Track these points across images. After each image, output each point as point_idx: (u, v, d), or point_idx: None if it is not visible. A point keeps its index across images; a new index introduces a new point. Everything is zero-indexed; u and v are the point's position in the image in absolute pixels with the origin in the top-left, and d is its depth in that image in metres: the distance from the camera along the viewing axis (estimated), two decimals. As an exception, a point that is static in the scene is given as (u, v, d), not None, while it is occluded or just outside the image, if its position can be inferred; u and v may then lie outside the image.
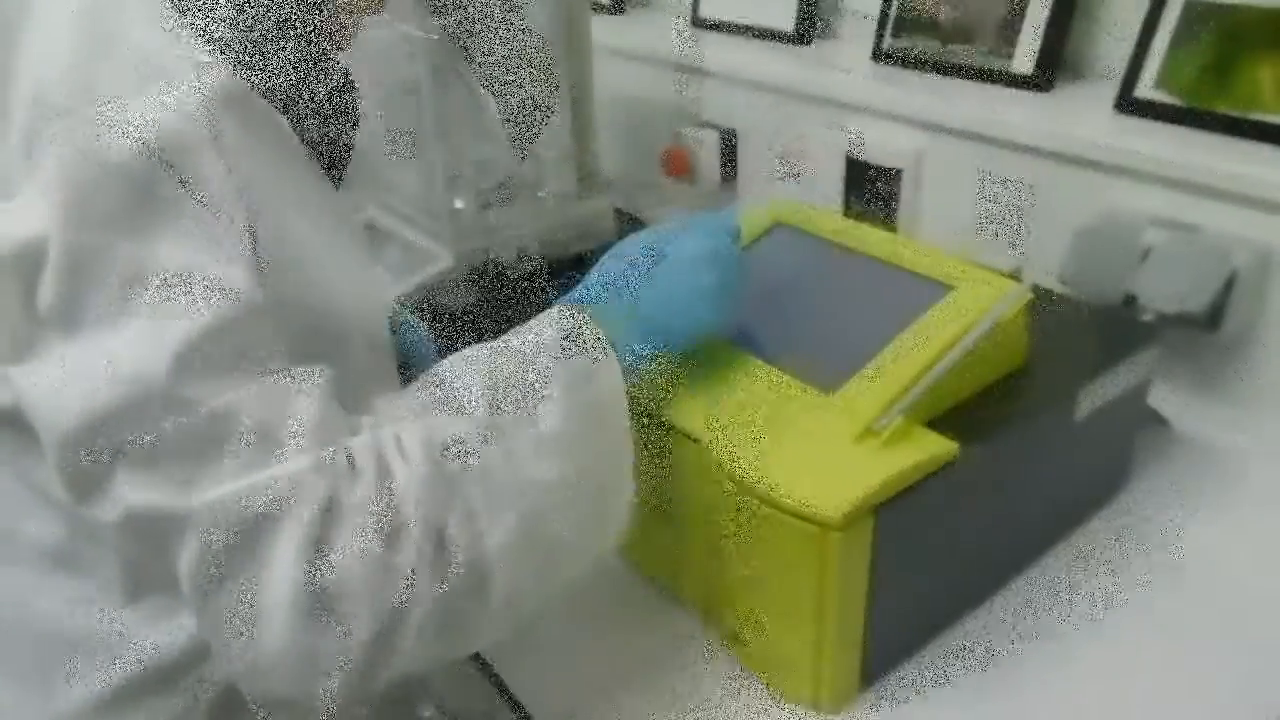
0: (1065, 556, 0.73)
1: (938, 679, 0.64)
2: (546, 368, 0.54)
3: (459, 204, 1.08)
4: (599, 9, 1.47)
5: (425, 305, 1.06)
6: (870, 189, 1.10)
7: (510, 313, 1.05)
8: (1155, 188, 0.84)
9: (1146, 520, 0.76)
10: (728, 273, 0.63)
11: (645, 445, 0.67)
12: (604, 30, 1.35)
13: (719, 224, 0.67)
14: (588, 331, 0.56)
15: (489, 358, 0.54)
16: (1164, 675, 0.63)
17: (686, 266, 0.62)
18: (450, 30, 0.97)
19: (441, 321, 1.04)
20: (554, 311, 0.57)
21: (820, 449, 0.59)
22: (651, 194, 1.41)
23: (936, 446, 0.59)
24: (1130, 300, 0.84)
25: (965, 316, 0.64)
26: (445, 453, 0.49)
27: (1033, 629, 0.67)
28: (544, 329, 0.56)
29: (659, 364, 0.63)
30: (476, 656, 0.68)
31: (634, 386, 0.58)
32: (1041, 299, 0.67)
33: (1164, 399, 0.86)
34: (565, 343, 0.55)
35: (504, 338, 0.56)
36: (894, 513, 0.57)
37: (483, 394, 0.52)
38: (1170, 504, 0.78)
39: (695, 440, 0.62)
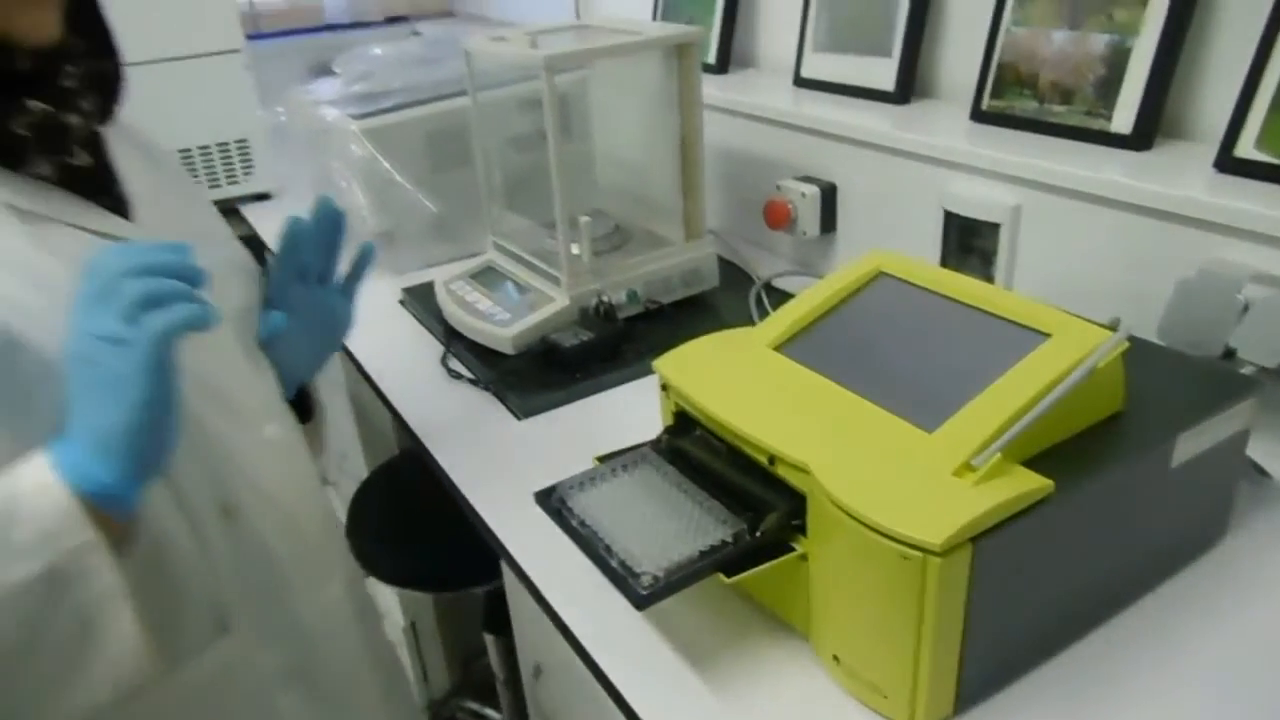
0: (1161, 601, 0.74)
1: (1028, 711, 0.66)
2: None
3: (575, 250, 1.16)
4: (705, 68, 1.55)
5: (541, 341, 1.14)
6: (968, 242, 1.13)
7: (617, 349, 1.13)
8: (1255, 244, 0.86)
9: (1245, 569, 0.77)
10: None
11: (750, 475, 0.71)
12: (710, 88, 1.43)
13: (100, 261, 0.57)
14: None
15: None
16: (1260, 720, 0.64)
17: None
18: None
19: (555, 356, 1.12)
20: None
21: (922, 482, 0.63)
22: (753, 243, 1.47)
23: (1033, 483, 0.62)
24: (1229, 354, 0.85)
25: (1062, 362, 0.67)
26: None
27: (1123, 671, 0.69)
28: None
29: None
30: (598, 674, 0.73)
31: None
32: (1139, 349, 0.70)
33: (1264, 452, 0.87)
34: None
35: None
36: (991, 544, 0.61)
37: None
38: (1270, 554, 0.78)
39: (804, 470, 0.66)
